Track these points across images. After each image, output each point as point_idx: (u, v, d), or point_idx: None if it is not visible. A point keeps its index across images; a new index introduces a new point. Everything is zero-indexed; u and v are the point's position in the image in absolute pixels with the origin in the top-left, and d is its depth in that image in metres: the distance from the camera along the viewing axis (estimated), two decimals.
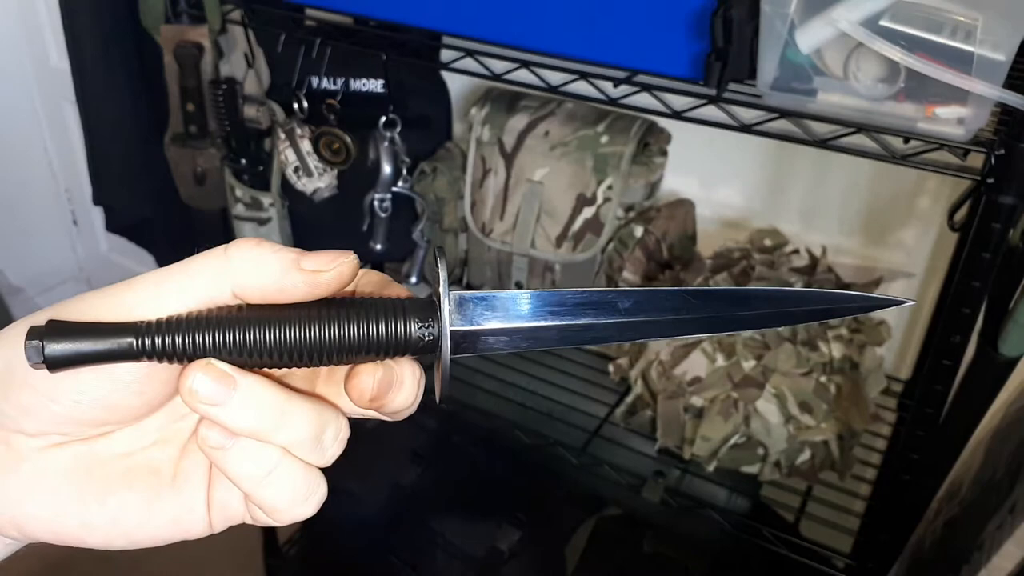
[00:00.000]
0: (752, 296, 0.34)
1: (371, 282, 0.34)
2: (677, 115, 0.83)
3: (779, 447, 0.95)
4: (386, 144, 1.17)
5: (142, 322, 0.29)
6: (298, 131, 1.17)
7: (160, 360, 0.29)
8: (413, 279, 1.26)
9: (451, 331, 0.31)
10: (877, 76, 0.67)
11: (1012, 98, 0.62)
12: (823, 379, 0.95)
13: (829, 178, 1.14)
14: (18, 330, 0.30)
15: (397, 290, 0.33)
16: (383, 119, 1.15)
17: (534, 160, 1.13)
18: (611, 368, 1.11)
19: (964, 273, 0.74)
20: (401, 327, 0.31)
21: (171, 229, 1.67)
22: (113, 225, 1.80)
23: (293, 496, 0.31)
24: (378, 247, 1.24)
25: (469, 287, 1.27)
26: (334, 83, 1.18)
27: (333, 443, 0.32)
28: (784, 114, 0.75)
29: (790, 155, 1.15)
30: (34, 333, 0.28)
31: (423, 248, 1.24)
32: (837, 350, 0.97)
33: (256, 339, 0.29)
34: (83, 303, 0.30)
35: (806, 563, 0.95)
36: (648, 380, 1.03)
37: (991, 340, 0.80)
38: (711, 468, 0.97)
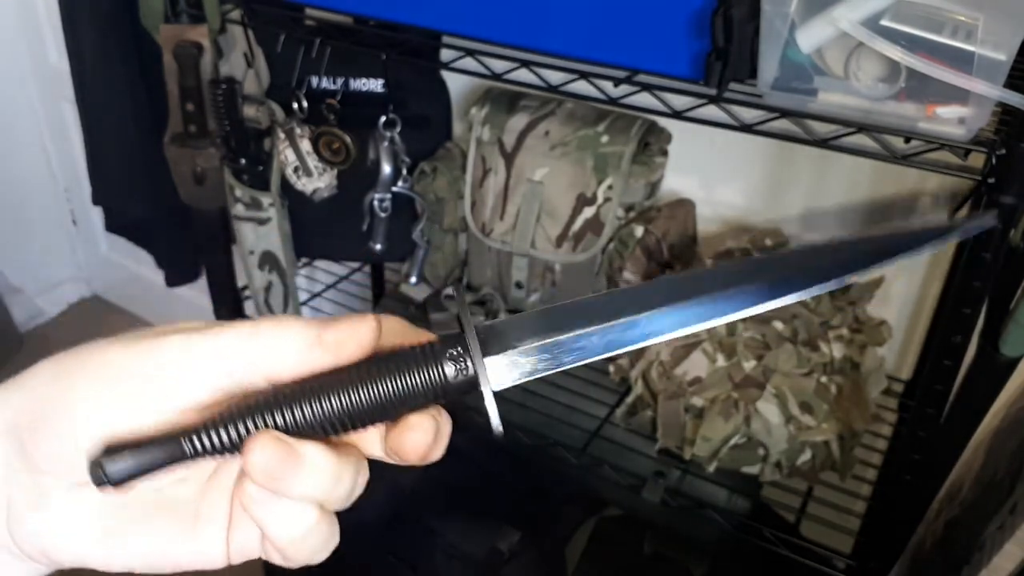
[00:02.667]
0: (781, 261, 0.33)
1: (393, 330, 0.33)
2: (678, 115, 0.83)
3: (780, 447, 0.95)
4: (386, 144, 1.17)
5: (189, 428, 0.30)
6: (298, 131, 1.17)
7: (212, 455, 0.30)
8: (413, 279, 1.26)
9: (487, 362, 0.31)
10: (878, 76, 0.67)
11: (1013, 98, 0.62)
12: (824, 379, 0.95)
13: (830, 178, 1.14)
14: (43, 375, 0.31)
15: (422, 335, 0.33)
16: (383, 119, 1.15)
17: (534, 160, 1.13)
18: (611, 368, 1.11)
19: (965, 273, 0.73)
20: (435, 372, 0.31)
21: (170, 229, 1.67)
22: (112, 225, 1.81)
23: (320, 549, 0.32)
24: (378, 247, 1.24)
25: (469, 287, 1.27)
26: (334, 83, 1.18)
27: (359, 492, 0.32)
28: (785, 114, 0.75)
29: (791, 155, 1.14)
30: (95, 461, 0.30)
31: (423, 248, 1.24)
32: (838, 350, 0.97)
33: (298, 419, 0.30)
34: (108, 354, 0.31)
35: (807, 564, 0.95)
36: (648, 380, 1.03)
37: (992, 340, 0.80)
38: (711, 468, 0.97)
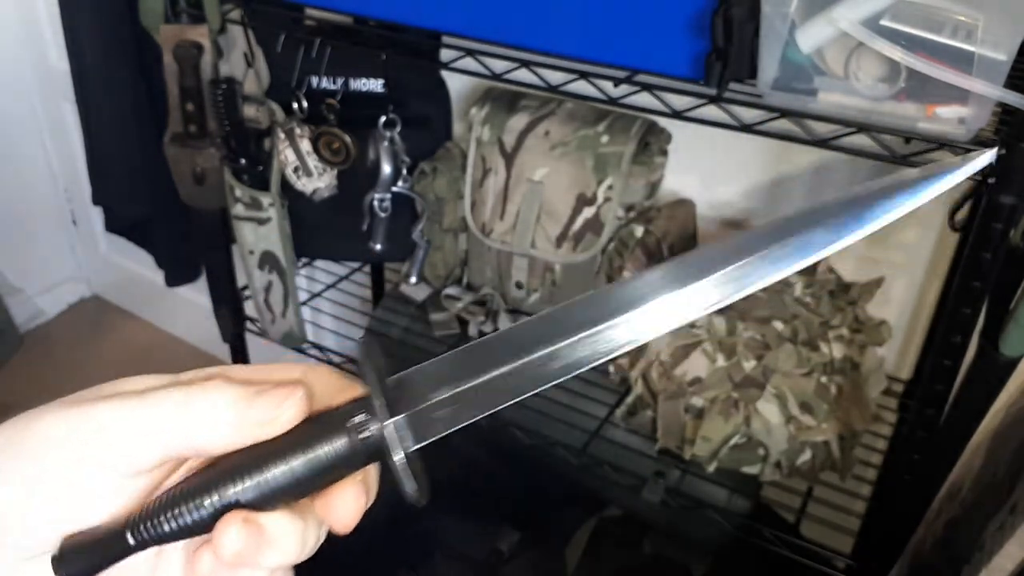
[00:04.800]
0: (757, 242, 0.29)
1: (324, 384, 0.32)
2: (677, 115, 0.83)
3: (780, 447, 0.95)
4: (386, 144, 1.17)
5: (132, 518, 0.30)
6: (298, 131, 1.17)
7: (161, 543, 0.30)
8: (413, 279, 1.26)
9: (397, 422, 0.29)
10: (878, 76, 0.67)
11: (1013, 98, 0.62)
12: (824, 379, 0.95)
13: (830, 178, 1.14)
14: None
15: (349, 391, 0.31)
16: (383, 119, 1.15)
17: (534, 160, 1.13)
18: (611, 368, 1.11)
19: (965, 273, 0.73)
20: (342, 445, 0.29)
21: (170, 229, 1.67)
22: (112, 225, 1.81)
23: None
24: (378, 247, 1.24)
25: (469, 287, 1.27)
26: (334, 83, 1.18)
27: (315, 546, 0.32)
28: (785, 114, 0.75)
29: (791, 155, 1.14)
30: (55, 562, 0.30)
31: (423, 248, 1.24)
32: (838, 350, 0.97)
33: (221, 497, 0.30)
34: (43, 423, 0.30)
35: (807, 564, 0.95)
36: (648, 380, 1.03)
37: (992, 340, 0.80)
38: (712, 468, 0.97)
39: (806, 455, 0.95)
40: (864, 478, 1.03)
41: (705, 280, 0.29)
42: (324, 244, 1.33)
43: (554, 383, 0.30)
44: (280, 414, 0.30)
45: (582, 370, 0.30)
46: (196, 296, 1.98)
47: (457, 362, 0.30)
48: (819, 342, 0.97)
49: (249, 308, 1.40)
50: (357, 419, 0.29)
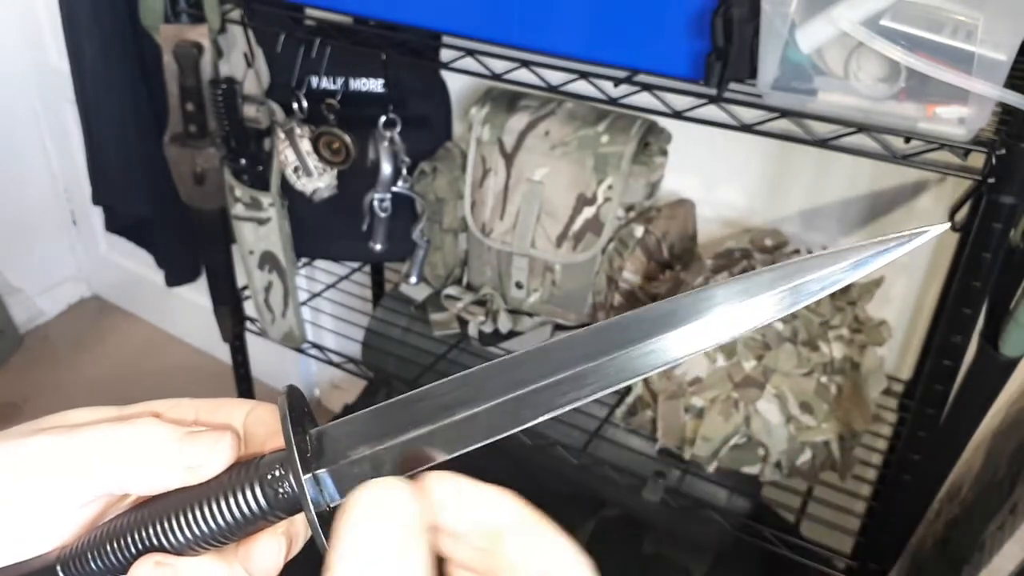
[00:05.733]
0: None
1: (261, 421, 0.32)
2: (678, 115, 0.83)
3: (780, 447, 0.95)
4: (386, 144, 1.17)
5: (64, 552, 0.31)
6: (298, 131, 1.17)
7: None
8: (413, 279, 1.26)
9: (309, 478, 0.29)
10: (878, 76, 0.67)
11: (1013, 98, 0.62)
12: (824, 379, 0.95)
13: (830, 178, 1.14)
14: None
15: (276, 441, 0.31)
16: (383, 119, 1.15)
17: (534, 160, 1.13)
18: None
19: (965, 273, 0.73)
20: (257, 497, 0.29)
21: (170, 229, 1.67)
22: (113, 225, 1.80)
23: None
24: (378, 247, 1.24)
25: (469, 287, 1.27)
26: (334, 83, 1.18)
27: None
28: (785, 114, 0.75)
29: (791, 155, 1.14)
30: None
31: (423, 248, 1.24)
32: (838, 350, 0.97)
33: (145, 538, 0.30)
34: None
35: (807, 564, 0.95)
36: (648, 380, 1.03)
37: (992, 340, 0.80)
38: (712, 468, 0.97)
39: (806, 455, 0.95)
40: (864, 478, 1.03)
41: (595, 363, 0.29)
42: (324, 244, 1.33)
43: (477, 445, 0.30)
44: (207, 461, 0.30)
45: (505, 434, 0.30)
46: (196, 296, 1.98)
47: (379, 419, 0.30)
48: (819, 342, 0.97)
49: (249, 308, 1.40)
50: (275, 473, 0.29)
